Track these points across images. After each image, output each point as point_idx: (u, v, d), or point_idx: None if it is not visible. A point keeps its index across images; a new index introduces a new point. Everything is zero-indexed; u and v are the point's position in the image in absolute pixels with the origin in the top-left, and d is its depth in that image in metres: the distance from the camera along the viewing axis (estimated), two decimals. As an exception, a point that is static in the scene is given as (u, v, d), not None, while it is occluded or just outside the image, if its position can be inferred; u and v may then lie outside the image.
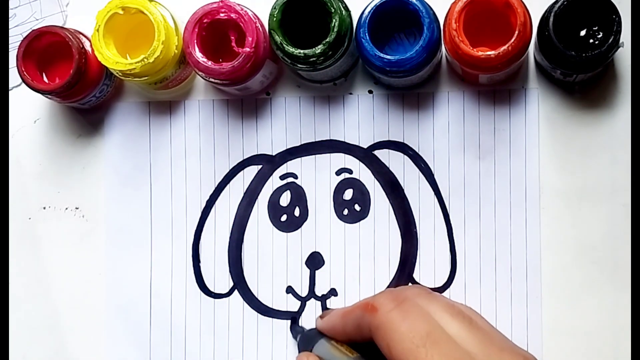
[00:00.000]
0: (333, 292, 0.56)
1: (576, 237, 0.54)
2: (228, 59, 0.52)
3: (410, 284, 0.55)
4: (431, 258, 0.55)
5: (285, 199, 0.57)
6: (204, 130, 0.58)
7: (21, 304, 0.58)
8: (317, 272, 0.56)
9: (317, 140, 0.57)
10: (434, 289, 0.55)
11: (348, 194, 0.56)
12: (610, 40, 0.49)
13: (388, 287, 0.55)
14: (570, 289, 0.54)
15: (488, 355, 0.41)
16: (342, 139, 0.56)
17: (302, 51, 0.51)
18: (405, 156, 0.56)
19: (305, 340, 0.53)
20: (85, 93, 0.56)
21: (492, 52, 0.49)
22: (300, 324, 0.56)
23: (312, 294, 0.56)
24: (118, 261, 0.58)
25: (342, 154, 0.56)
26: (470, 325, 0.43)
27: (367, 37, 0.51)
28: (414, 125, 0.56)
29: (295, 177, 0.57)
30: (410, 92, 0.56)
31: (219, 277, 0.57)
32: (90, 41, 0.55)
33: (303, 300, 0.56)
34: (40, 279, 0.58)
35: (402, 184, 0.56)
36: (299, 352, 0.54)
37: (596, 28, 0.51)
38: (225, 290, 0.57)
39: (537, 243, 0.54)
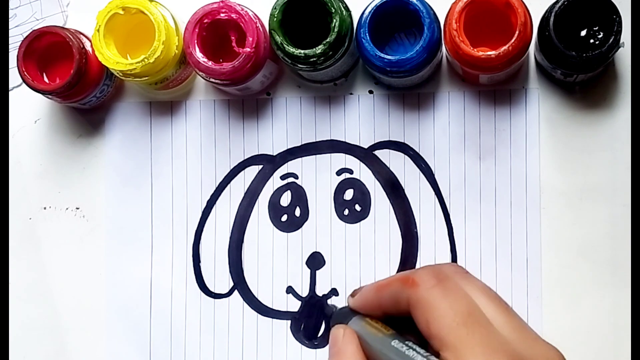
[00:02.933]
0: (334, 292, 0.56)
1: (576, 237, 0.54)
2: (228, 59, 0.52)
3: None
4: (432, 258, 0.55)
5: (285, 199, 0.57)
6: (205, 130, 0.58)
7: (21, 304, 0.58)
8: (317, 272, 0.56)
9: (317, 140, 0.57)
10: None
11: (348, 194, 0.56)
12: (611, 41, 0.49)
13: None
14: (571, 288, 0.54)
15: (524, 343, 0.41)
16: (343, 139, 0.56)
17: (302, 51, 0.51)
18: (406, 156, 0.56)
19: (338, 318, 0.51)
20: (86, 93, 0.56)
21: (492, 52, 0.49)
22: (330, 304, 0.55)
23: (312, 294, 0.56)
24: (118, 261, 0.58)
25: (342, 154, 0.56)
26: (507, 311, 0.43)
27: (368, 37, 0.51)
28: (414, 125, 0.56)
29: (296, 177, 0.57)
30: (411, 92, 0.56)
31: (219, 277, 0.57)
32: (90, 41, 0.55)
33: (303, 301, 0.56)
34: (41, 279, 0.58)
35: (402, 184, 0.56)
36: None
37: (596, 28, 0.51)
38: (225, 290, 0.57)
39: (537, 243, 0.54)
